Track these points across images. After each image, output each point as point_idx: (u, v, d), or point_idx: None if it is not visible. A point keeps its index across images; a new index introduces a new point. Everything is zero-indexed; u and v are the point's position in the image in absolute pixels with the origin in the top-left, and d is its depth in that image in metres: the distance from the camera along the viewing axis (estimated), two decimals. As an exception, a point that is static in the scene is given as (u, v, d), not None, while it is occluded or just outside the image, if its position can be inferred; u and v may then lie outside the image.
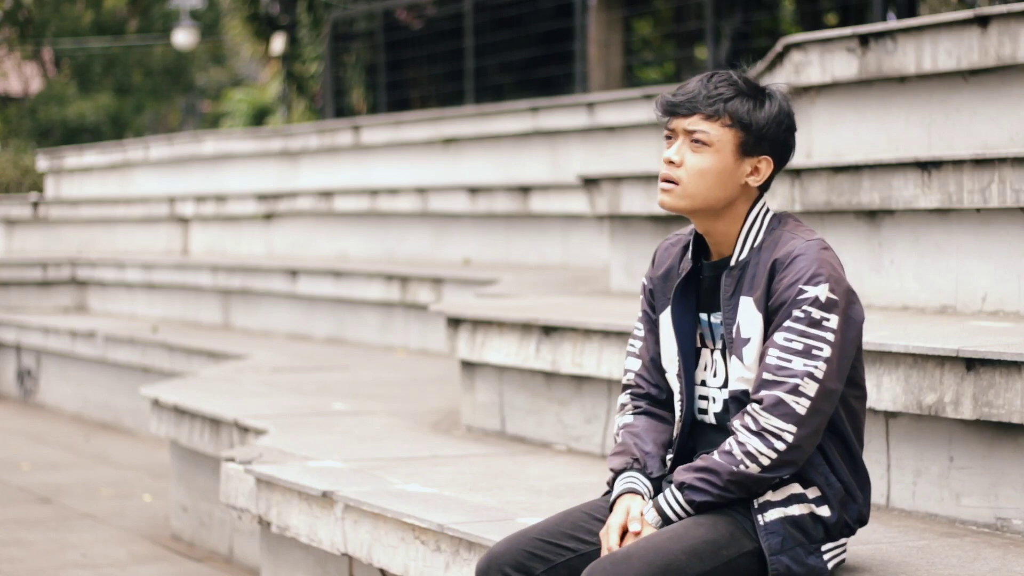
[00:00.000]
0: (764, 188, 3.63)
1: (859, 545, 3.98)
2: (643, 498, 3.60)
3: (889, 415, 4.54)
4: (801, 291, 3.45)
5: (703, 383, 3.67)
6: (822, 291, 3.44)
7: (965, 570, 3.78)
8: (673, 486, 3.53)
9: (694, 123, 3.55)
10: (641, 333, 3.80)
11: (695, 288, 3.67)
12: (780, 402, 3.42)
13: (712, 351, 3.64)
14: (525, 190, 11.04)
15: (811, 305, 3.44)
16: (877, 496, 4.58)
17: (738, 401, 3.55)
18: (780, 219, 3.60)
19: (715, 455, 3.49)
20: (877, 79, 6.48)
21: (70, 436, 11.60)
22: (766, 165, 3.57)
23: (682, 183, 3.55)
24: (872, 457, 4.58)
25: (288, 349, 10.51)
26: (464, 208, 11.59)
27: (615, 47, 15.95)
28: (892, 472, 4.55)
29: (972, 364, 4.20)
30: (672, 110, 3.58)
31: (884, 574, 3.71)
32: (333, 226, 13.12)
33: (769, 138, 3.56)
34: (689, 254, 3.67)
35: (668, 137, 3.61)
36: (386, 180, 13.33)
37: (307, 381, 8.42)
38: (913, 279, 5.50)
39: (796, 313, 3.45)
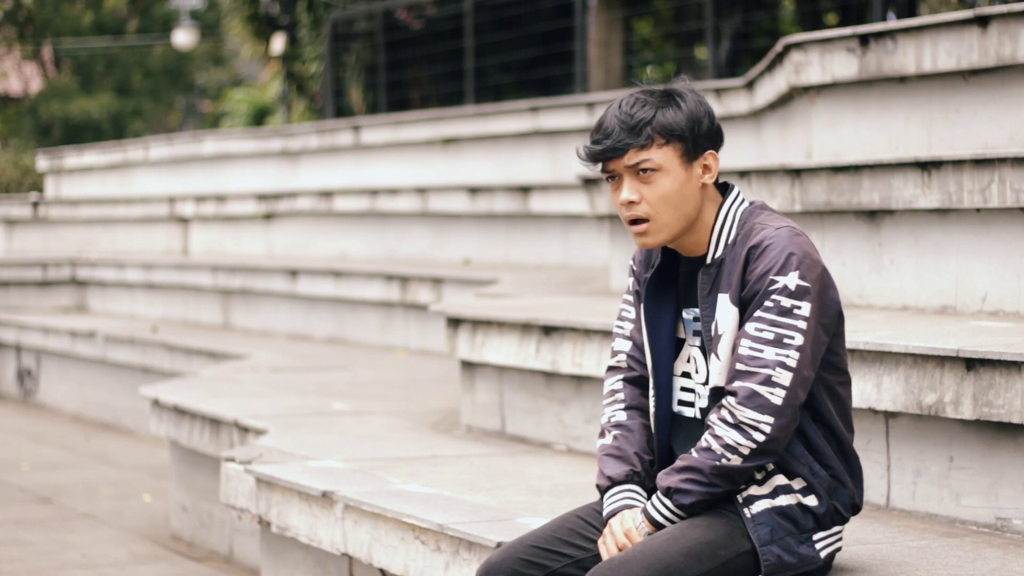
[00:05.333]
0: (722, 182, 3.60)
1: (859, 545, 3.98)
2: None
3: (889, 415, 4.53)
4: (772, 281, 3.43)
5: (685, 375, 3.64)
6: (792, 279, 3.42)
7: (965, 570, 3.77)
8: (659, 492, 3.52)
9: (633, 157, 3.48)
10: (630, 314, 3.76)
11: (673, 282, 3.65)
12: (754, 394, 3.41)
13: (692, 347, 3.62)
14: (525, 190, 11.04)
15: (780, 294, 3.42)
16: (877, 496, 4.58)
17: (721, 398, 3.53)
18: (751, 211, 3.57)
19: (694, 453, 3.47)
20: (877, 79, 6.48)
21: (70, 436, 11.60)
22: (712, 159, 3.54)
23: (652, 217, 3.51)
24: (872, 457, 4.58)
25: (288, 349, 10.51)
26: (464, 208, 11.59)
27: (615, 47, 15.95)
28: (892, 472, 4.54)
29: (972, 364, 4.20)
30: (603, 156, 3.50)
31: (884, 574, 3.71)
32: (333, 226, 13.12)
33: (703, 133, 3.52)
34: (659, 248, 3.63)
35: (611, 178, 3.54)
36: (386, 180, 13.33)
37: (307, 381, 8.42)
38: (913, 279, 5.49)
39: (767, 303, 3.44)
